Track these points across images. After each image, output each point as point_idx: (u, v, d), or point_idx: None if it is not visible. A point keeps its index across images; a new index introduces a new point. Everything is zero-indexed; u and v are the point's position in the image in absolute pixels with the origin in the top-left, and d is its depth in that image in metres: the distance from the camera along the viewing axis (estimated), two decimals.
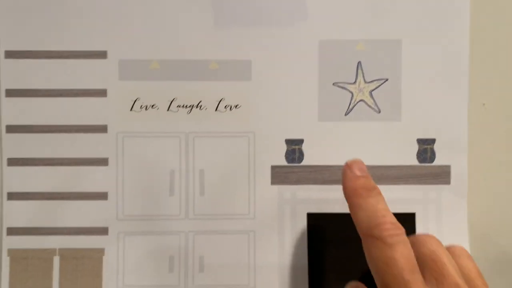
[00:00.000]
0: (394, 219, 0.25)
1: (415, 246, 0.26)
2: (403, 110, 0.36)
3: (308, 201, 0.36)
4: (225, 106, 0.36)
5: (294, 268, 0.36)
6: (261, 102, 0.36)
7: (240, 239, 0.36)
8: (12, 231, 0.36)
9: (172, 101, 0.36)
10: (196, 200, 0.36)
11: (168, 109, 0.36)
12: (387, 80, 0.36)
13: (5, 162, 0.36)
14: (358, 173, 0.27)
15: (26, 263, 0.36)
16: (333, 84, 0.36)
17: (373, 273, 0.25)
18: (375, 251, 0.24)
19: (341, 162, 0.36)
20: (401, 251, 0.24)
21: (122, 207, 0.36)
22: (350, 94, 0.36)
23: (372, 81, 0.36)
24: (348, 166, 0.28)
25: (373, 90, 0.36)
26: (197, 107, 0.36)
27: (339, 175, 0.36)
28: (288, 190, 0.36)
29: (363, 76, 0.36)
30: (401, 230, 0.25)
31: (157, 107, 0.36)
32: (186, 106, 0.36)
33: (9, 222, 0.36)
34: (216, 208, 0.36)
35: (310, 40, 0.36)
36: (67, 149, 0.36)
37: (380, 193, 0.27)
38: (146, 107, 0.36)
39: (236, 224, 0.36)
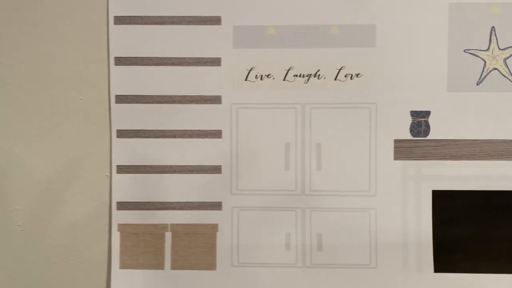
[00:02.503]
0: None
1: None
2: None
3: (434, 178, 0.34)
4: (346, 75, 0.34)
5: (418, 248, 0.34)
6: (385, 70, 0.33)
7: (361, 217, 0.34)
8: (122, 206, 0.35)
9: (288, 70, 0.34)
10: (313, 175, 0.34)
11: (284, 79, 0.34)
12: None
13: (114, 133, 0.34)
14: None
15: (137, 239, 0.35)
16: (464, 51, 0.33)
17: None
18: None
19: (471, 136, 0.33)
20: None
21: (236, 181, 0.34)
22: (483, 62, 0.33)
23: (507, 48, 0.33)
24: None
25: (507, 57, 0.33)
26: (315, 76, 0.34)
27: (468, 150, 0.33)
28: (412, 166, 0.34)
29: (497, 43, 0.33)
30: None
31: (272, 77, 0.34)
32: (303, 75, 0.34)
33: (118, 196, 0.35)
34: (334, 184, 0.34)
35: (440, 3, 0.33)
36: (179, 120, 0.34)
37: None
38: (262, 76, 0.34)
39: (356, 201, 0.34)
